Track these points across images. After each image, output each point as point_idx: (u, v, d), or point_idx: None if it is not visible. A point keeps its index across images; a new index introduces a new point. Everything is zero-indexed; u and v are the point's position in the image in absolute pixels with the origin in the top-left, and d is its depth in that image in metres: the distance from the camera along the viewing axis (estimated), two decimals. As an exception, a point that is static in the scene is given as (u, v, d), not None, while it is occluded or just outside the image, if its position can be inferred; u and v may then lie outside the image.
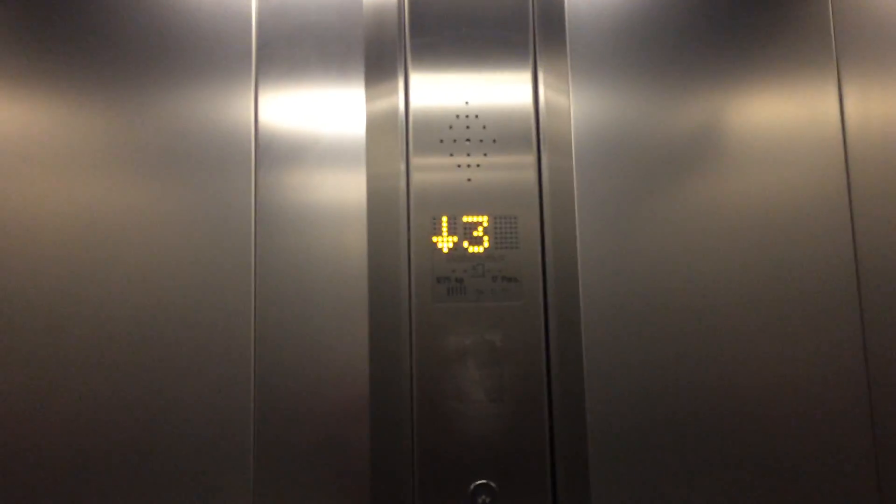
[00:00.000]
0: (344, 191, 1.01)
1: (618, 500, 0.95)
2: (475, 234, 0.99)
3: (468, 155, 1.01)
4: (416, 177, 1.00)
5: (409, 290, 0.98)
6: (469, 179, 1.01)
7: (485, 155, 1.01)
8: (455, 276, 0.98)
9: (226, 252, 0.98)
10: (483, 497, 0.93)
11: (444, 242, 0.99)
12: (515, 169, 1.01)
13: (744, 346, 0.99)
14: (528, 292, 0.98)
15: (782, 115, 1.04)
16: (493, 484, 0.94)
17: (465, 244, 0.99)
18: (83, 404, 0.95)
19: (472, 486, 0.94)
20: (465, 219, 0.99)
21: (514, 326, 0.97)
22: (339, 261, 0.99)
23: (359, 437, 0.95)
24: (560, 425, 0.96)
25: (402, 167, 1.01)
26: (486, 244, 0.99)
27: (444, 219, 0.99)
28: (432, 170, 1.01)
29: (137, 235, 0.98)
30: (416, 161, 1.01)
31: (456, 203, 1.00)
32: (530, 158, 1.01)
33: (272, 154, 1.01)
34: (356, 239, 0.99)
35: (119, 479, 0.93)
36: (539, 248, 0.99)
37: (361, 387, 0.96)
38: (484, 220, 0.99)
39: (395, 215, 1.00)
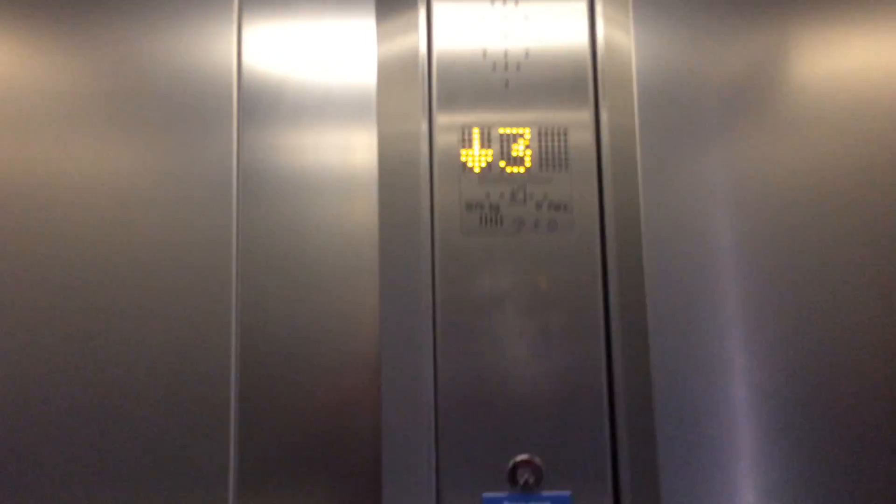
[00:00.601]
0: (350, 92, 0.81)
1: (690, 478, 0.77)
2: (514, 150, 0.79)
3: (505, 54, 0.81)
4: (440, 76, 0.80)
5: (430, 219, 0.78)
6: (507, 83, 0.80)
7: (526, 55, 0.81)
8: (489, 202, 0.78)
9: (200, 216, 0.78)
10: (526, 476, 0.74)
11: (476, 160, 0.79)
12: (564, 71, 0.81)
13: (835, 309, 0.79)
14: (582, 223, 0.78)
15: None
16: (537, 460, 0.75)
17: (502, 163, 0.79)
18: (28, 387, 0.76)
19: (511, 463, 0.74)
20: (502, 130, 0.79)
21: (563, 265, 0.77)
22: (344, 181, 0.79)
23: (368, 403, 0.76)
24: (621, 388, 0.76)
25: (423, 59, 0.80)
26: (528, 163, 0.79)
27: (476, 130, 0.79)
28: (460, 71, 0.80)
29: (85, 199, 0.78)
30: (439, 56, 0.80)
31: (490, 111, 0.79)
32: (583, 58, 0.81)
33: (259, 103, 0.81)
34: (366, 149, 0.79)
35: (73, 474, 0.75)
36: (595, 169, 0.79)
37: (370, 340, 0.77)
38: (525, 132, 0.79)
39: (413, 122, 0.79)
